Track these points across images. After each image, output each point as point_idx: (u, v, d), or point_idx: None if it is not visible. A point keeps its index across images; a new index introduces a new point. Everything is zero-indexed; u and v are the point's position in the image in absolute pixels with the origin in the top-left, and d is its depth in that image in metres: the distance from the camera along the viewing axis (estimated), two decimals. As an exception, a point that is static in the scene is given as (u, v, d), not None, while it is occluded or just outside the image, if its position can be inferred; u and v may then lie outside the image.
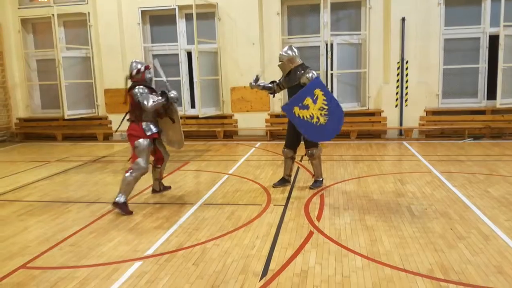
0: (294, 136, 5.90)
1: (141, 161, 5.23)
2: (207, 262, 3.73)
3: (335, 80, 10.30)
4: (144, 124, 5.35)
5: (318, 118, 5.34)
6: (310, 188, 5.95)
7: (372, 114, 10.37)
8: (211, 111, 10.72)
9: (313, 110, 5.35)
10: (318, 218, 4.74)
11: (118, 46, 10.99)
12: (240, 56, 10.52)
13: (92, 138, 11.39)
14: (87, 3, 11.15)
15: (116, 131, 5.98)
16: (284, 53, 5.75)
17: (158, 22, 11.24)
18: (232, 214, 4.99)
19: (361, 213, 4.88)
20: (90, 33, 11.26)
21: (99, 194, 6.04)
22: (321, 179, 6.07)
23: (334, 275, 3.41)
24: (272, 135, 10.53)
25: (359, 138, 10.23)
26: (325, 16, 10.09)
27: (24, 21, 11.63)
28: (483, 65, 9.95)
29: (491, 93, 9.93)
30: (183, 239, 4.27)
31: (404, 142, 9.65)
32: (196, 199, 5.61)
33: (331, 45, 10.10)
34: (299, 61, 5.74)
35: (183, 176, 7.00)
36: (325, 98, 5.34)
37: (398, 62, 10.01)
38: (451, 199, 5.28)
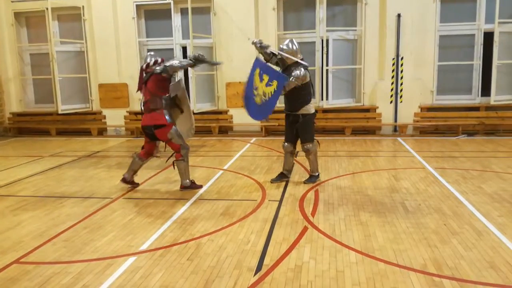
0: (293, 130, 5.90)
1: (183, 145, 5.70)
2: (201, 257, 3.73)
3: (330, 76, 10.29)
4: (165, 112, 5.60)
5: (265, 94, 5.41)
6: (304, 182, 5.97)
7: (367, 110, 10.39)
8: (206, 107, 10.69)
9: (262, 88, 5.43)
10: (313, 214, 4.76)
11: (112, 41, 10.91)
12: (235, 51, 10.48)
13: (86, 133, 11.33)
14: (82, -3, 11.07)
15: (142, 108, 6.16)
16: (284, 47, 5.69)
17: (153, 16, 11.17)
18: (227, 209, 4.99)
19: (355, 208, 4.90)
20: (84, 27, 11.16)
21: (93, 189, 6.01)
22: (316, 174, 6.08)
23: (328, 270, 3.42)
24: (267, 131, 10.53)
25: (353, 134, 10.25)
26: (321, 11, 10.07)
27: (17, 15, 11.51)
28: (477, 62, 9.98)
29: (486, 90, 9.97)
30: (177, 234, 4.27)
31: (399, 138, 9.68)
32: (191, 195, 5.60)
33: (327, 40, 10.09)
34: (299, 57, 5.69)
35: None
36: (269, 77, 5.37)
37: (393, 58, 10.02)
38: (444, 195, 5.31)
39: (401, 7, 9.79)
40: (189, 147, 5.82)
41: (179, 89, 5.90)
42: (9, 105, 11.93)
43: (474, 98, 10.17)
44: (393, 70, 10.07)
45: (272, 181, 6.11)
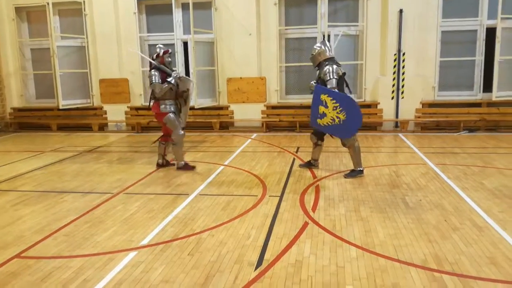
0: None
1: (176, 131, 6.39)
2: (202, 252, 3.74)
3: (331, 71, 10.25)
4: (161, 102, 6.37)
5: (338, 117, 5.69)
6: (345, 176, 6.01)
7: (368, 106, 10.35)
8: (207, 102, 10.67)
9: (330, 113, 5.74)
10: (313, 209, 4.76)
11: (113, 36, 10.89)
12: (236, 46, 10.46)
13: (87, 128, 11.33)
14: (82, -8, 11.04)
15: (148, 106, 6.67)
16: (315, 47, 6.19)
17: (154, 11, 11.14)
18: (228, 204, 4.99)
19: (356, 204, 4.90)
20: (85, 22, 11.13)
21: (94, 184, 6.02)
22: (359, 168, 6.09)
23: (329, 265, 3.43)
24: (268, 127, 10.50)
25: (355, 130, 10.22)
26: (323, 7, 10.03)
27: (18, 10, 11.49)
28: (479, 58, 9.94)
29: (487, 86, 9.94)
30: (178, 229, 4.27)
31: (400, 134, 9.66)
32: (192, 190, 5.61)
33: (328, 36, 10.05)
34: (327, 55, 6.09)
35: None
36: (332, 99, 5.70)
37: (395, 54, 9.98)
38: (445, 191, 5.30)
39: (403, 3, 9.74)
40: (184, 135, 6.48)
41: (188, 84, 6.61)
42: (10, 100, 11.93)
43: (476, 94, 10.14)
44: (394, 66, 10.04)
45: (300, 165, 6.66)
